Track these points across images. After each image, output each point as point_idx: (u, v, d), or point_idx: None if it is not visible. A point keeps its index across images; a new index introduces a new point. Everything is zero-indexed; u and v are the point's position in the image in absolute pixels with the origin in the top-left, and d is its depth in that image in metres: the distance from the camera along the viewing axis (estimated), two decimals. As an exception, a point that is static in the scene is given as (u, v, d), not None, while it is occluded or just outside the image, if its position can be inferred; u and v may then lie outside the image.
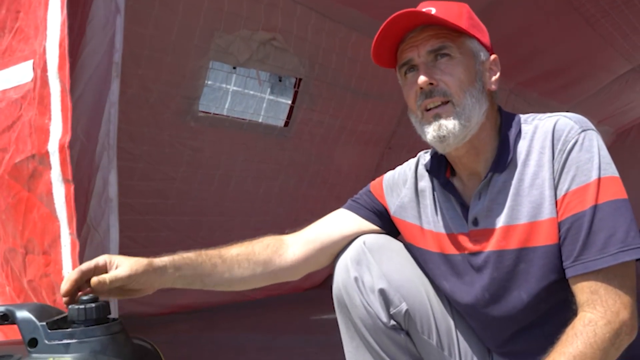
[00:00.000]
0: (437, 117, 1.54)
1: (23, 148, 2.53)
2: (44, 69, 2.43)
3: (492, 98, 1.62)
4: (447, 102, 1.53)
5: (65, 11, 2.39)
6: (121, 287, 1.55)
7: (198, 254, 1.71)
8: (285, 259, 1.79)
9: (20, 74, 2.60)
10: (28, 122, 2.52)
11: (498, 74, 1.62)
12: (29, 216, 2.53)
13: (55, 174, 2.39)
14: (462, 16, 1.56)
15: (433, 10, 1.54)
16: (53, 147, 2.38)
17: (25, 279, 2.57)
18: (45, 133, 2.42)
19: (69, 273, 1.53)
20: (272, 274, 1.79)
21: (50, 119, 2.41)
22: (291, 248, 1.80)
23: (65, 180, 2.38)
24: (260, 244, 1.78)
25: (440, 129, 1.53)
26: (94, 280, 1.49)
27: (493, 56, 1.62)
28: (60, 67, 2.38)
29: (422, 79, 1.53)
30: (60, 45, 2.39)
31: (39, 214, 2.48)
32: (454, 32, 1.54)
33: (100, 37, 2.50)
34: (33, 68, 2.51)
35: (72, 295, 1.46)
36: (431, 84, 1.53)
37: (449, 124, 1.53)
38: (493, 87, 1.61)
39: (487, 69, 1.60)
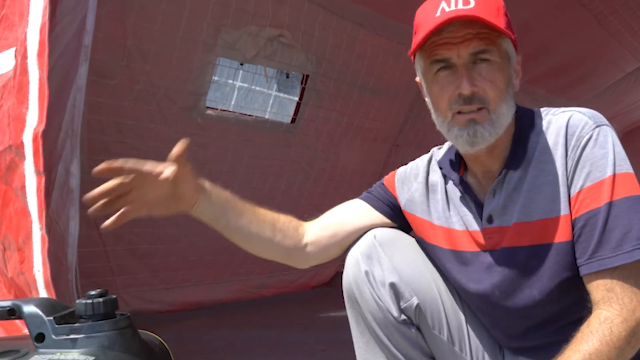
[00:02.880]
0: (473, 122, 1.48)
1: (1, 139, 2.47)
2: (25, 56, 2.37)
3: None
4: (482, 108, 1.49)
5: None
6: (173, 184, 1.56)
7: (232, 195, 1.72)
8: (301, 240, 1.80)
9: (3, 62, 2.54)
10: (7, 112, 2.45)
11: (521, 74, 1.56)
12: (5, 211, 2.47)
13: (29, 166, 2.34)
14: (500, 12, 1.48)
15: (472, 3, 1.45)
16: (28, 137, 2.33)
17: (8, 275, 2.52)
18: (22, 122, 2.36)
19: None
20: (286, 250, 1.79)
21: (27, 107, 2.36)
22: (307, 233, 1.81)
23: (37, 172, 2.31)
24: (285, 217, 1.81)
25: (475, 135, 1.49)
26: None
27: (519, 55, 1.55)
28: (40, 54, 2.32)
29: (466, 86, 1.46)
30: (41, 31, 2.33)
31: (14, 208, 2.42)
32: (494, 32, 1.46)
33: (70, 17, 2.42)
34: (15, 55, 2.45)
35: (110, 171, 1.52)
36: (475, 89, 1.47)
37: (485, 132, 1.48)
38: (518, 88, 1.56)
39: (515, 70, 1.55)
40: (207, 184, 1.67)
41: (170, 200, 1.62)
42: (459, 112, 1.49)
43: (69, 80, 2.44)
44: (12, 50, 2.47)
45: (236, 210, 1.72)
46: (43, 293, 2.31)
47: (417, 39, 1.49)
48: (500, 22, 1.46)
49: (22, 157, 2.34)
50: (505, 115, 1.50)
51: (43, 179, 2.29)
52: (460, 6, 1.45)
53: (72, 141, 2.42)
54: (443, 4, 1.46)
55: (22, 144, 2.34)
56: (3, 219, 2.47)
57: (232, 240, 1.77)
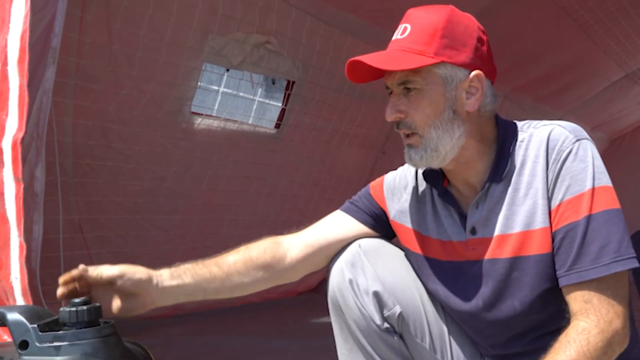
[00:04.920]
0: (409, 146, 1.58)
1: (-19, 146, 2.45)
2: (5, 63, 2.37)
3: (478, 115, 1.58)
4: (415, 133, 1.56)
5: (29, 3, 2.33)
6: (113, 286, 1.59)
7: (195, 264, 1.73)
8: (283, 262, 1.80)
9: (-15, 69, 2.53)
10: (-14, 118, 2.44)
11: (479, 93, 1.56)
12: (-17, 217, 2.44)
13: (7, 172, 2.33)
14: (434, 37, 1.52)
15: (408, 29, 1.55)
16: (7, 144, 2.33)
17: (-13, 283, 2.50)
18: (1, 129, 2.36)
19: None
20: (272, 278, 1.81)
21: (7, 114, 2.36)
22: (289, 251, 1.81)
23: (16, 178, 2.30)
24: (257, 249, 1.79)
25: (410, 158, 1.59)
26: (81, 266, 1.54)
27: (474, 73, 1.55)
28: (20, 61, 2.33)
29: (387, 113, 1.57)
30: (22, 38, 2.33)
31: (-8, 215, 2.40)
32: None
33: (37, 18, 2.41)
34: None
35: (68, 286, 1.53)
36: (399, 116, 1.56)
37: (416, 156, 1.57)
38: (470, 108, 1.56)
39: (465, 90, 1.55)
40: (157, 276, 1.66)
41: (124, 299, 1.62)
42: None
43: (35, 82, 2.42)
44: None
45: (205, 279, 1.72)
46: (20, 301, 2.30)
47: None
48: (431, 49, 1.52)
49: (1, 164, 2.34)
50: (437, 139, 1.54)
51: (22, 186, 2.28)
52: (398, 36, 1.57)
53: (37, 144, 2.41)
54: (397, 32, 1.59)
55: (0, 150, 2.34)
56: None
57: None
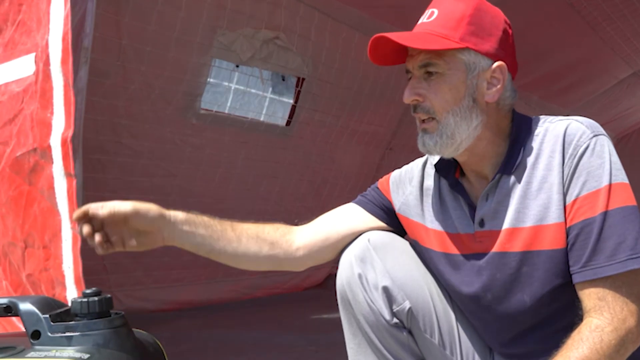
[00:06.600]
0: (424, 131, 1.57)
1: (24, 141, 2.53)
2: (47, 63, 2.43)
3: (497, 107, 1.58)
4: (432, 119, 1.55)
5: (68, 5, 2.38)
6: (126, 223, 1.62)
7: (211, 218, 1.76)
8: (291, 246, 1.81)
9: (22, 67, 2.59)
10: (29, 116, 2.51)
11: (500, 84, 1.55)
12: (29, 210, 2.52)
13: (58, 168, 2.40)
14: (460, 23, 1.52)
15: (435, 13, 1.54)
16: (55, 141, 2.39)
17: (24, 273, 2.56)
18: (47, 127, 2.42)
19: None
20: (277, 259, 1.81)
21: (52, 112, 2.42)
22: (298, 237, 1.82)
23: (67, 174, 2.37)
24: (271, 226, 1.82)
25: (424, 144, 1.57)
26: (93, 205, 1.57)
27: (497, 64, 1.54)
28: (64, 61, 2.38)
29: (405, 95, 1.55)
30: (64, 39, 2.38)
31: (40, 207, 2.47)
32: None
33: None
34: (35, 61, 2.51)
35: (80, 222, 1.58)
36: (418, 99, 1.55)
37: (431, 141, 1.55)
38: (490, 99, 1.55)
39: (486, 79, 1.55)
40: (171, 216, 1.70)
41: (137, 236, 1.66)
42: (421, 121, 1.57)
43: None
44: (32, 55, 2.52)
45: (216, 233, 1.74)
46: (72, 288, 2.39)
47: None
48: (457, 34, 1.51)
49: (49, 160, 2.41)
50: (454, 126, 1.53)
51: (74, 181, 2.35)
52: (424, 20, 1.57)
53: (73, 143, 2.45)
54: (423, 16, 1.58)
55: (49, 147, 2.41)
56: (27, 218, 2.54)
57: (222, 262, 1.80)
